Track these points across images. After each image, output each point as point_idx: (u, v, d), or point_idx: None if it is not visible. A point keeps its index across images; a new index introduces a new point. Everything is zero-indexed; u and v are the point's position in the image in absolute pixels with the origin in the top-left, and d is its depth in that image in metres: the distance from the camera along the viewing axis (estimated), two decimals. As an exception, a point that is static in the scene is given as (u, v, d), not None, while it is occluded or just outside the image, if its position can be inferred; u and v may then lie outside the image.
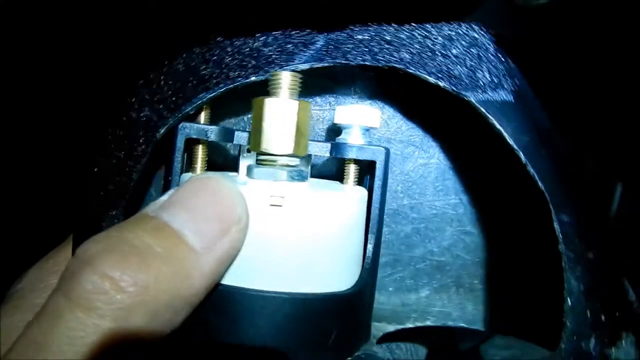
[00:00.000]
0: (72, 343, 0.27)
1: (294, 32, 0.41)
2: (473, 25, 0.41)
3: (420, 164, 0.51)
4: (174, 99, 0.39)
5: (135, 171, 0.37)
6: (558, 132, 0.40)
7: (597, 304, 0.33)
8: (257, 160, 0.38)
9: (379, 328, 0.49)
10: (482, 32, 0.41)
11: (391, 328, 0.49)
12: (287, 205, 0.36)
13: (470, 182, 0.50)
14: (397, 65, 0.41)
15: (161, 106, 0.38)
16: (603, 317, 0.32)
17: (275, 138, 0.37)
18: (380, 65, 0.41)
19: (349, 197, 0.39)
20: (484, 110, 0.38)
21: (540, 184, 0.36)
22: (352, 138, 0.43)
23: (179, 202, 0.33)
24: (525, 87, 0.41)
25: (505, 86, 0.39)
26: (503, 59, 0.40)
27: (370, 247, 0.42)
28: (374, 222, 0.42)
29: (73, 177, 0.38)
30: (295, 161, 0.38)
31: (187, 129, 0.40)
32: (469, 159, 0.49)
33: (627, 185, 0.36)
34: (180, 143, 0.40)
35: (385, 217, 0.51)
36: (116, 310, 0.28)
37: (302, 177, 0.38)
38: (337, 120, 0.43)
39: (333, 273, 0.38)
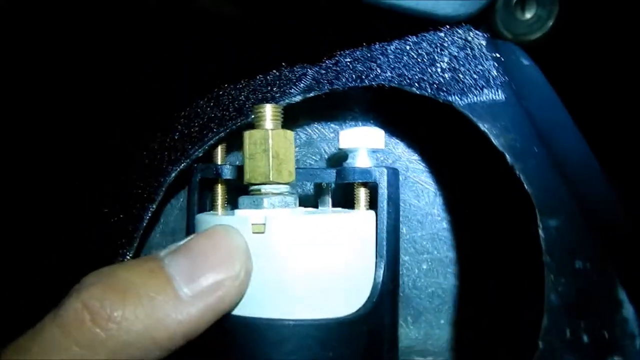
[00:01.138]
0: (47, 355, 0.30)
1: (286, 69, 0.44)
2: (463, 28, 0.39)
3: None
4: (181, 144, 0.43)
5: (147, 213, 0.41)
6: (566, 125, 0.35)
7: (580, 322, 0.26)
8: (248, 191, 0.40)
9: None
10: (473, 33, 0.38)
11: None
12: (267, 232, 0.37)
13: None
14: (381, 82, 0.40)
15: (171, 151, 0.43)
16: (586, 338, 0.26)
17: (253, 168, 0.38)
18: (365, 85, 0.41)
19: (334, 220, 0.38)
20: (468, 113, 0.35)
21: (526, 185, 0.31)
22: (359, 161, 0.43)
23: (185, 249, 0.35)
24: (522, 82, 0.37)
25: (495, 84, 0.36)
26: (493, 56, 0.37)
27: (380, 272, 0.40)
28: (382, 246, 0.40)
29: (81, 204, 0.44)
30: (279, 188, 0.39)
31: (201, 170, 0.44)
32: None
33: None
34: (194, 185, 0.44)
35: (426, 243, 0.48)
36: (87, 339, 0.31)
37: (285, 204, 0.39)
38: (342, 145, 0.43)
39: (324, 298, 0.37)
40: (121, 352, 0.31)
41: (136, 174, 0.43)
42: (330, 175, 0.43)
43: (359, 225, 0.39)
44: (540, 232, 0.29)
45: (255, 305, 0.37)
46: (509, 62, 0.38)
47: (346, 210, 0.44)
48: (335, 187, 0.47)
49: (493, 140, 0.34)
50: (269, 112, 0.39)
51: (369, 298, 0.39)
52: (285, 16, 0.47)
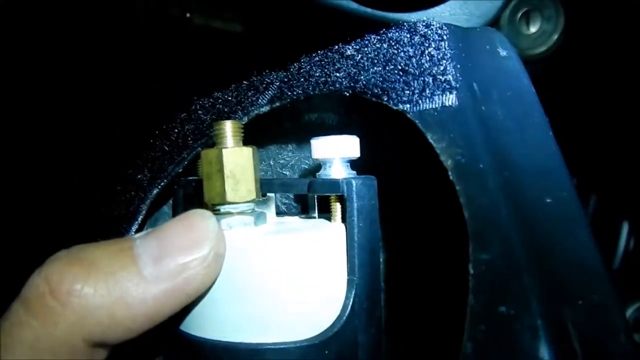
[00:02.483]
0: (10, 335, 0.31)
1: (255, 78, 0.42)
2: (423, 22, 0.35)
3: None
4: (161, 161, 0.44)
5: (130, 231, 0.43)
6: (537, 132, 0.30)
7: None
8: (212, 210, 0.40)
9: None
10: (433, 27, 0.34)
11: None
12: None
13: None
14: (337, 89, 0.37)
15: (152, 168, 0.44)
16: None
17: (210, 188, 0.38)
18: (324, 92, 0.38)
19: (288, 241, 0.36)
20: (417, 122, 0.32)
21: (464, 209, 0.27)
22: (332, 172, 0.40)
23: (157, 230, 0.34)
24: (489, 80, 0.32)
25: (448, 87, 0.32)
26: (452, 53, 0.33)
27: (352, 290, 0.38)
28: (353, 263, 0.38)
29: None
30: (238, 208, 0.38)
31: (182, 186, 0.45)
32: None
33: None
34: (179, 201, 0.45)
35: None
36: (46, 313, 0.30)
37: (243, 223, 0.38)
38: (314, 155, 0.41)
39: (282, 321, 0.36)
40: (80, 327, 0.31)
41: (120, 191, 0.44)
42: (303, 187, 0.41)
43: (321, 244, 0.37)
44: (470, 266, 0.25)
45: (213, 327, 0.37)
46: (474, 57, 0.33)
47: (322, 220, 0.42)
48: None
49: (439, 155, 0.30)
50: (227, 129, 0.38)
51: (337, 319, 0.37)
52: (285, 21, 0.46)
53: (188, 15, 0.47)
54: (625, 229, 0.45)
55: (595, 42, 0.42)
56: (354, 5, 0.43)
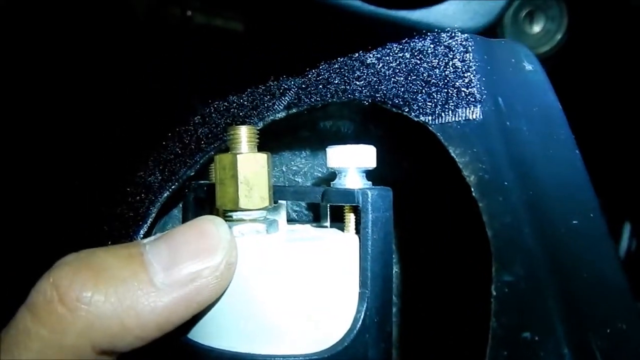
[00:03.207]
0: (17, 343, 0.30)
1: (272, 83, 0.41)
2: (448, 32, 0.34)
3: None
4: (173, 163, 0.43)
5: (139, 232, 0.42)
6: (563, 149, 0.29)
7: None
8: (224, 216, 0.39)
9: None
10: (458, 39, 0.33)
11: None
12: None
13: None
14: (357, 98, 0.36)
15: (161, 172, 0.43)
16: None
17: (223, 194, 0.37)
18: (343, 100, 0.37)
19: (299, 250, 0.35)
20: (439, 135, 0.31)
21: (487, 227, 0.26)
22: (347, 181, 0.40)
23: (168, 236, 0.34)
24: (515, 94, 0.31)
25: (472, 101, 0.31)
26: (478, 65, 0.32)
27: (363, 304, 0.37)
28: (365, 275, 0.37)
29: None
30: (251, 215, 0.37)
31: (194, 190, 0.44)
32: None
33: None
34: (189, 204, 0.44)
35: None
36: (54, 321, 0.30)
37: (256, 231, 0.37)
38: (330, 163, 0.40)
39: (293, 333, 0.35)
40: (89, 335, 0.30)
41: (130, 193, 0.43)
42: (317, 195, 0.40)
43: (334, 255, 0.36)
44: (492, 287, 0.24)
45: (221, 336, 0.36)
46: (499, 70, 0.32)
47: (335, 230, 0.41)
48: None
49: (462, 170, 0.29)
50: (243, 134, 0.37)
51: (347, 333, 0.36)
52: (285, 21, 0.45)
53: (189, 13, 0.46)
54: (627, 230, 0.45)
55: (599, 41, 0.42)
56: (357, 3, 0.43)
